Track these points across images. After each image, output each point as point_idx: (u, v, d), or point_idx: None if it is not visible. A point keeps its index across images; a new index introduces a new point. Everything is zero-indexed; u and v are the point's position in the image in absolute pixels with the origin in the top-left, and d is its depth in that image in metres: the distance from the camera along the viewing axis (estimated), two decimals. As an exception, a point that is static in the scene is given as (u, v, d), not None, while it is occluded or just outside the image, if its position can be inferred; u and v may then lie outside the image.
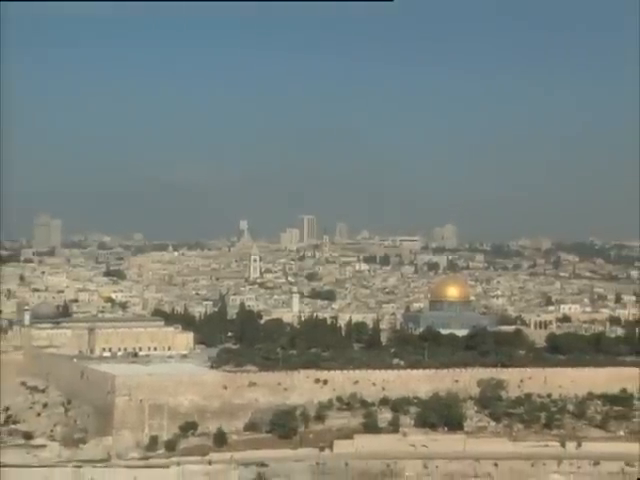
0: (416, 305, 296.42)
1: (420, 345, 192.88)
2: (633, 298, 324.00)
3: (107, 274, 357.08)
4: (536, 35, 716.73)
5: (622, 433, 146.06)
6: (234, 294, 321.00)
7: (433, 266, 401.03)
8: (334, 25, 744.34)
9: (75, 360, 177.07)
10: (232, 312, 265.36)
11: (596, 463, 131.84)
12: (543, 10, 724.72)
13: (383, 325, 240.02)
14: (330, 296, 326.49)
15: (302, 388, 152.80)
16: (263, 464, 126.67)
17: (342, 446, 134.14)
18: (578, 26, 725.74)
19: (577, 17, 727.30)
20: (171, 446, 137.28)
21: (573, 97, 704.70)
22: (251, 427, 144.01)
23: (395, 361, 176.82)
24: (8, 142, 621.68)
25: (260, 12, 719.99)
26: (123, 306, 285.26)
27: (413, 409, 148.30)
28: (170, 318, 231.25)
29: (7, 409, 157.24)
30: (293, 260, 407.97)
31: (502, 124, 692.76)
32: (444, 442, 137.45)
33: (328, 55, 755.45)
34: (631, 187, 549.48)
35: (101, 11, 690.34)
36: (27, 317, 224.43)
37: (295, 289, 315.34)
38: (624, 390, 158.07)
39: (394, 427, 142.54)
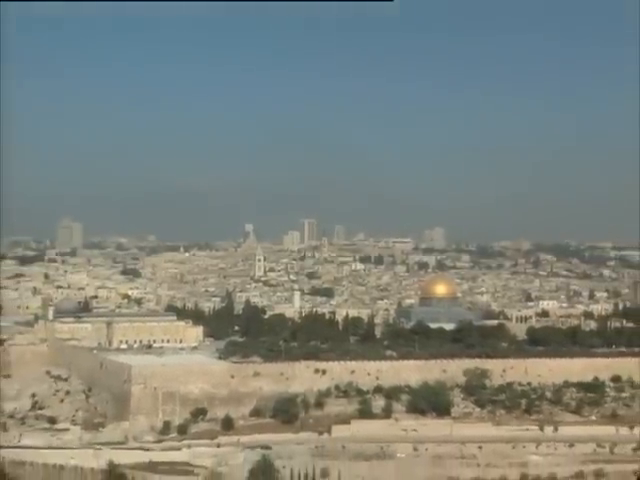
0: (407, 301, 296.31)
1: (411, 338, 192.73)
2: (605, 295, 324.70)
3: (124, 273, 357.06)
4: (532, 44, 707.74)
5: (594, 418, 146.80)
6: (240, 291, 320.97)
7: (423, 265, 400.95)
8: (334, 41, 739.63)
9: (95, 351, 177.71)
10: (238, 308, 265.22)
11: (571, 445, 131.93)
12: (542, 20, 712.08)
13: (377, 320, 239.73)
14: (328, 293, 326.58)
15: (303, 377, 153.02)
16: (267, 447, 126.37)
17: (339, 430, 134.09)
18: (573, 36, 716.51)
19: (574, 27, 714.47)
20: (182, 430, 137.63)
21: (559, 108, 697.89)
22: (256, 413, 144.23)
23: (388, 353, 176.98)
24: (33, 151, 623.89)
25: (261, 21, 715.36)
26: (138, 302, 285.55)
27: (404, 397, 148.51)
28: (181, 313, 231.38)
29: (34, 396, 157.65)
30: (294, 260, 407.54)
31: (487, 135, 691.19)
32: (433, 427, 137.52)
33: (327, 68, 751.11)
34: (604, 194, 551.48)
35: (109, 14, 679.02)
36: (51, 312, 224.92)
37: (296, 287, 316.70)
38: (596, 379, 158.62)
39: (387, 413, 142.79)
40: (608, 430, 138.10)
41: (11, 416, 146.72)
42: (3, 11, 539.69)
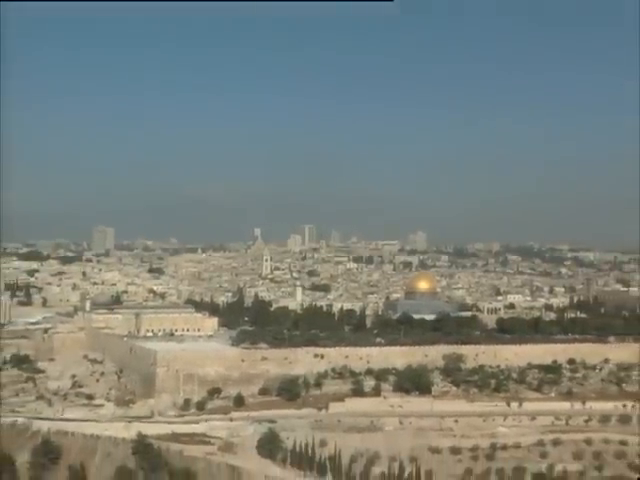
0: (394, 296, 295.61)
1: (397, 327, 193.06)
2: (562, 290, 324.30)
3: (150, 271, 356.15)
4: (527, 54, 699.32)
5: (553, 395, 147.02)
6: (250, 287, 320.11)
7: (407, 265, 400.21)
8: (334, 65, 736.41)
9: (125, 339, 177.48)
10: (248, 301, 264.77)
11: (533, 418, 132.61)
12: (541, 21, 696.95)
13: (368, 311, 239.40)
14: (326, 289, 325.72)
15: (304, 361, 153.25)
16: (273, 421, 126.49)
17: (335, 407, 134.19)
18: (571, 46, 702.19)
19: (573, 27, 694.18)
20: (200, 406, 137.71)
21: (527, 122, 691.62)
22: (263, 392, 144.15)
23: (377, 340, 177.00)
24: (71, 163, 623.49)
25: (265, 37, 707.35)
26: (162, 296, 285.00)
27: (391, 377, 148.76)
28: (199, 306, 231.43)
29: (74, 376, 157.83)
30: (297, 260, 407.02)
31: (463, 153, 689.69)
32: (416, 403, 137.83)
33: (326, 90, 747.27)
34: (562, 204, 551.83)
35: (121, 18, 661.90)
36: (88, 305, 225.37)
37: (298, 283, 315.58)
38: (555, 361, 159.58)
39: (376, 392, 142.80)
40: (564, 405, 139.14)
41: (55, 393, 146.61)
42: (3, 11, 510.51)
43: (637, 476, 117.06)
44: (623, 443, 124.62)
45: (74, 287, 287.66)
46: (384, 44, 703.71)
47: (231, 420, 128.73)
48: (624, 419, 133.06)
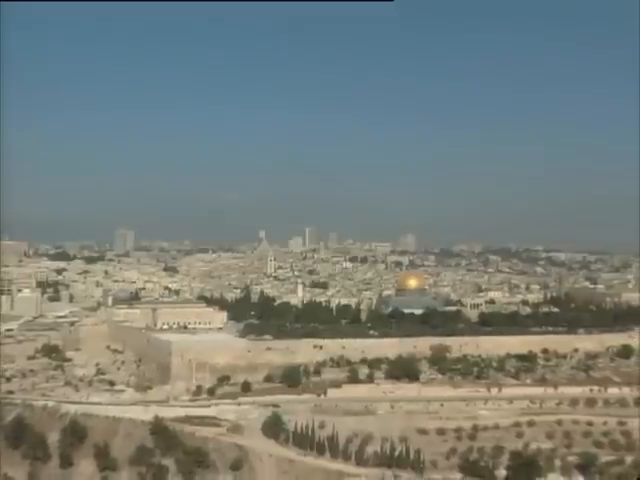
0: (386, 292, 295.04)
1: (389, 321, 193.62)
2: (537, 287, 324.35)
3: (165, 270, 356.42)
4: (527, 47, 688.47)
5: (528, 381, 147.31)
6: (256, 284, 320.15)
7: (398, 264, 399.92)
8: (333, 80, 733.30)
9: (143, 331, 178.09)
10: (254, 297, 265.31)
11: (510, 402, 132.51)
12: (541, 25, 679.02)
13: (362, 307, 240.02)
14: (324, 286, 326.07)
15: (304, 351, 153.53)
16: (277, 405, 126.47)
17: (333, 393, 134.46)
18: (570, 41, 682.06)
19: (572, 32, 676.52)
20: (211, 392, 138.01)
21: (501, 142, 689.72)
22: (268, 379, 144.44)
23: (371, 332, 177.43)
24: (94, 170, 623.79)
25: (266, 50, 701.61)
26: (176, 293, 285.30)
27: (384, 366, 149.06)
28: (210, 302, 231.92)
29: (97, 364, 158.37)
30: (298, 260, 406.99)
31: (448, 163, 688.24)
32: (405, 389, 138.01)
33: (327, 105, 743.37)
34: (536, 210, 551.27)
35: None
36: (110, 300, 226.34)
37: (299, 281, 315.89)
38: (530, 351, 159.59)
39: (370, 379, 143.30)
40: (538, 390, 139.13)
41: (81, 380, 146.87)
42: (3, 11, 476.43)
43: (601, 452, 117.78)
44: (589, 424, 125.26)
45: (97, 284, 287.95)
46: (381, 57, 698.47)
47: (239, 404, 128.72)
48: (591, 402, 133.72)
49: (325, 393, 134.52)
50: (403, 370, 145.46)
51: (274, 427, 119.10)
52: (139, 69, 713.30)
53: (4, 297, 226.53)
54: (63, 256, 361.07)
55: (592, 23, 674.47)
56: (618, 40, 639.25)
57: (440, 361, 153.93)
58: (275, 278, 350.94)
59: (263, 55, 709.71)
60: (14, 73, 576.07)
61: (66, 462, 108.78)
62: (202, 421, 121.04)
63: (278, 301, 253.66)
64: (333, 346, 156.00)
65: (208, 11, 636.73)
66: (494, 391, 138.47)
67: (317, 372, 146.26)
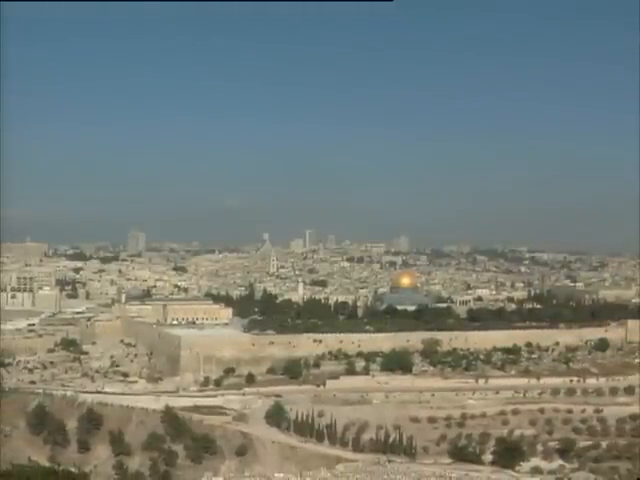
0: (381, 290, 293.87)
1: (383, 317, 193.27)
2: (522, 285, 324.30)
3: (175, 269, 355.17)
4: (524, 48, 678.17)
5: (513, 372, 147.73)
6: (259, 283, 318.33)
7: (392, 264, 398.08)
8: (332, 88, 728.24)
9: (154, 326, 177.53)
10: (258, 295, 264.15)
11: (497, 392, 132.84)
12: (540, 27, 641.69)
13: (359, 303, 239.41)
14: (324, 284, 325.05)
15: (305, 345, 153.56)
16: (279, 395, 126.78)
17: (332, 384, 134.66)
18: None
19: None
20: (218, 383, 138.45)
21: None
22: (271, 371, 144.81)
23: (367, 327, 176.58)
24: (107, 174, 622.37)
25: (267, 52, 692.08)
26: (185, 290, 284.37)
27: (379, 359, 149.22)
28: (216, 299, 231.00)
29: (112, 357, 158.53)
30: (299, 260, 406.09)
31: (440, 167, 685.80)
32: (399, 381, 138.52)
33: (326, 115, 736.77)
34: (521, 212, 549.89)
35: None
36: (123, 297, 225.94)
37: (300, 279, 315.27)
38: (515, 345, 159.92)
39: (366, 371, 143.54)
40: (522, 381, 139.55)
41: (97, 371, 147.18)
42: (3, 11, 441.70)
43: (579, 438, 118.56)
44: (569, 412, 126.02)
45: (112, 283, 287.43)
46: (379, 59, 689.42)
47: (243, 395, 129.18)
48: (570, 392, 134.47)
49: (324, 384, 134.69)
50: (397, 362, 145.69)
51: (276, 416, 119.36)
52: (145, 70, 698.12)
53: (26, 294, 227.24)
54: (80, 256, 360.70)
55: (592, 23, 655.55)
56: (615, 38, 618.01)
57: (431, 354, 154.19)
58: (277, 277, 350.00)
59: (264, 60, 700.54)
60: (28, 73, 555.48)
61: (83, 447, 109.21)
62: (209, 410, 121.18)
63: (280, 298, 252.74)
64: (332, 340, 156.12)
65: (212, 14, 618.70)
66: (481, 382, 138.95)
67: (317, 365, 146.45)
